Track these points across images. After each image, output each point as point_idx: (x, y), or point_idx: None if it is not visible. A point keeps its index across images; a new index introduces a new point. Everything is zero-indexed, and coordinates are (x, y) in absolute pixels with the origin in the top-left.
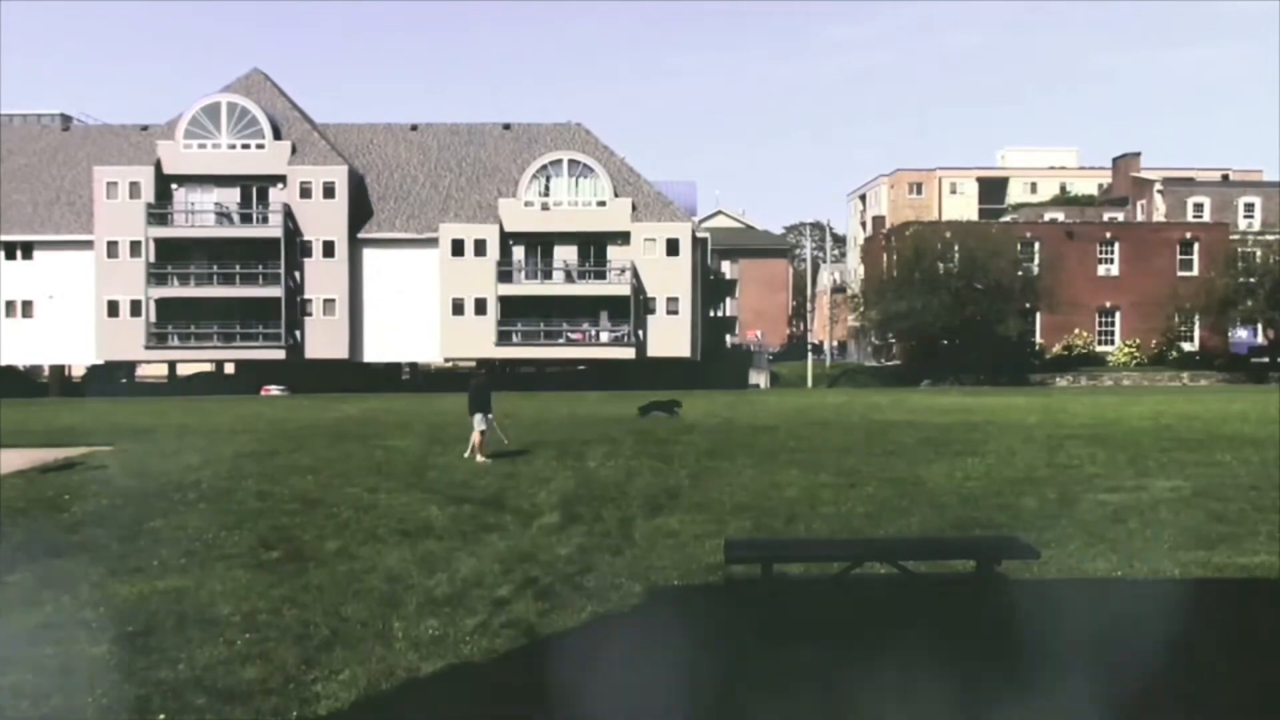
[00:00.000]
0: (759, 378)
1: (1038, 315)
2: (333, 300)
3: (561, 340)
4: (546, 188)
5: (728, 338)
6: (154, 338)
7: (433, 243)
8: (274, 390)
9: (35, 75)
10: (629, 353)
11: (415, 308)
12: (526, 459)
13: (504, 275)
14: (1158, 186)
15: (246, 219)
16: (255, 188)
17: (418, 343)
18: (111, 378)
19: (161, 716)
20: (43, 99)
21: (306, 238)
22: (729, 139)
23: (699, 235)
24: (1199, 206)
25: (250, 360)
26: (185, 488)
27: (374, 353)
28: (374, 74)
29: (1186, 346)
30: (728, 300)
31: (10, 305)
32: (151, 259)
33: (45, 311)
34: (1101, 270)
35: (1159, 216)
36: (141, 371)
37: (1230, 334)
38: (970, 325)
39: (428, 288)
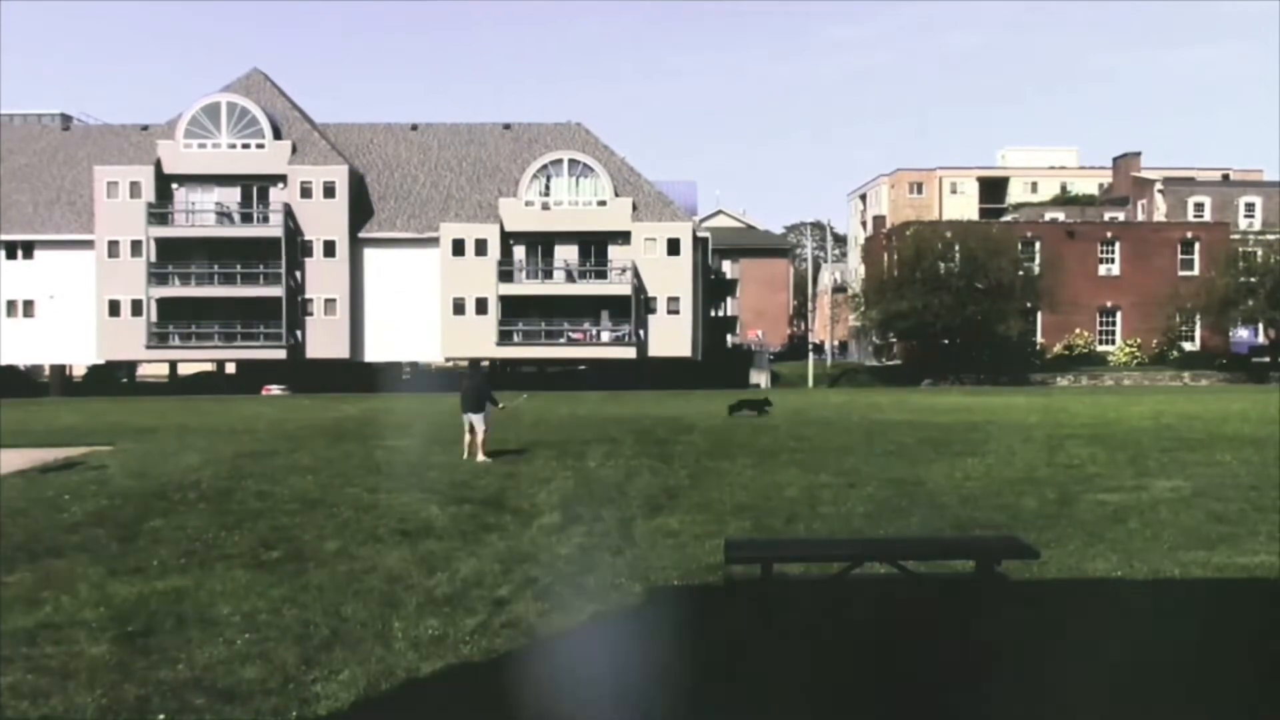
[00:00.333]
0: (759, 377)
1: (1038, 315)
2: (333, 300)
3: (562, 340)
4: (547, 187)
5: (728, 337)
6: (155, 337)
7: (433, 242)
8: (274, 390)
9: (35, 75)
10: (630, 352)
11: (416, 307)
12: (527, 459)
13: (505, 275)
14: (1158, 186)
15: (247, 219)
16: (255, 187)
17: (418, 342)
18: (112, 377)
19: (161, 716)
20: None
21: (307, 237)
22: (729, 139)
23: (700, 235)
24: (1199, 206)
25: (251, 360)
26: (185, 488)
27: (375, 352)
28: (374, 74)
29: (1187, 346)
30: (728, 300)
31: (11, 305)
32: (152, 259)
33: (46, 311)
34: (1102, 270)
35: (1159, 216)
36: (142, 371)
37: (1231, 334)
38: (971, 325)
39: (428, 287)
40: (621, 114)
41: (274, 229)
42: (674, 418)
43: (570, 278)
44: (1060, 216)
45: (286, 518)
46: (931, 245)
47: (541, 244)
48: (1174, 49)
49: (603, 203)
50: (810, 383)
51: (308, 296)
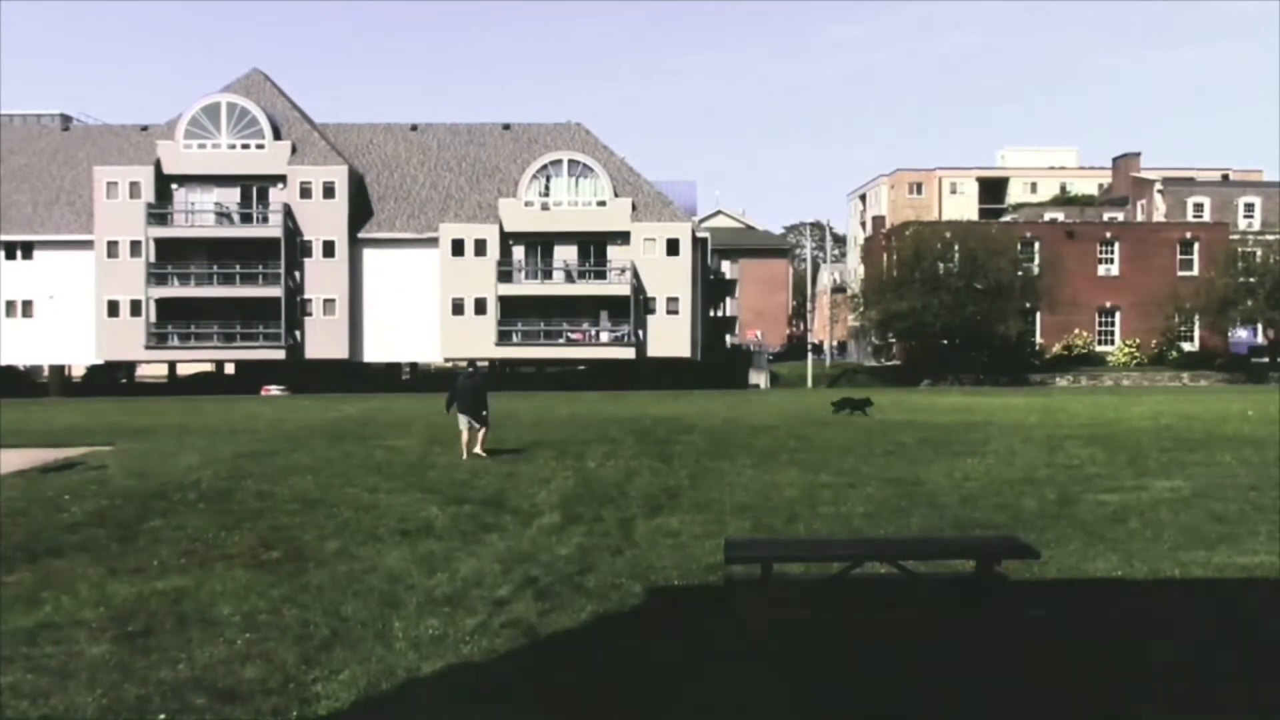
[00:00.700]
0: (759, 378)
1: (1038, 315)
2: (333, 300)
3: (561, 340)
4: (546, 188)
5: (728, 338)
6: (154, 338)
7: (433, 243)
8: (274, 390)
9: (35, 75)
10: (629, 353)
11: (415, 308)
12: (527, 459)
13: (504, 275)
14: (1158, 186)
15: (246, 219)
16: (255, 188)
17: (418, 343)
18: (111, 378)
19: (161, 716)
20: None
21: (306, 238)
22: (729, 139)
23: (699, 235)
24: (1199, 206)
25: (250, 360)
26: (185, 488)
27: (374, 353)
28: (374, 74)
29: (1186, 346)
30: (728, 300)
31: (10, 305)
32: (151, 259)
33: (45, 311)
34: (1101, 270)
35: (1159, 216)
36: (141, 371)
37: (1230, 334)
38: (970, 325)
39: (428, 288)
40: (621, 114)
41: (273, 229)
42: (674, 418)
43: (569, 278)
44: (1060, 216)
45: (286, 518)
46: (931, 245)
47: (541, 244)
48: (1174, 49)
49: (602, 203)
50: (809, 383)
51: (307, 297)
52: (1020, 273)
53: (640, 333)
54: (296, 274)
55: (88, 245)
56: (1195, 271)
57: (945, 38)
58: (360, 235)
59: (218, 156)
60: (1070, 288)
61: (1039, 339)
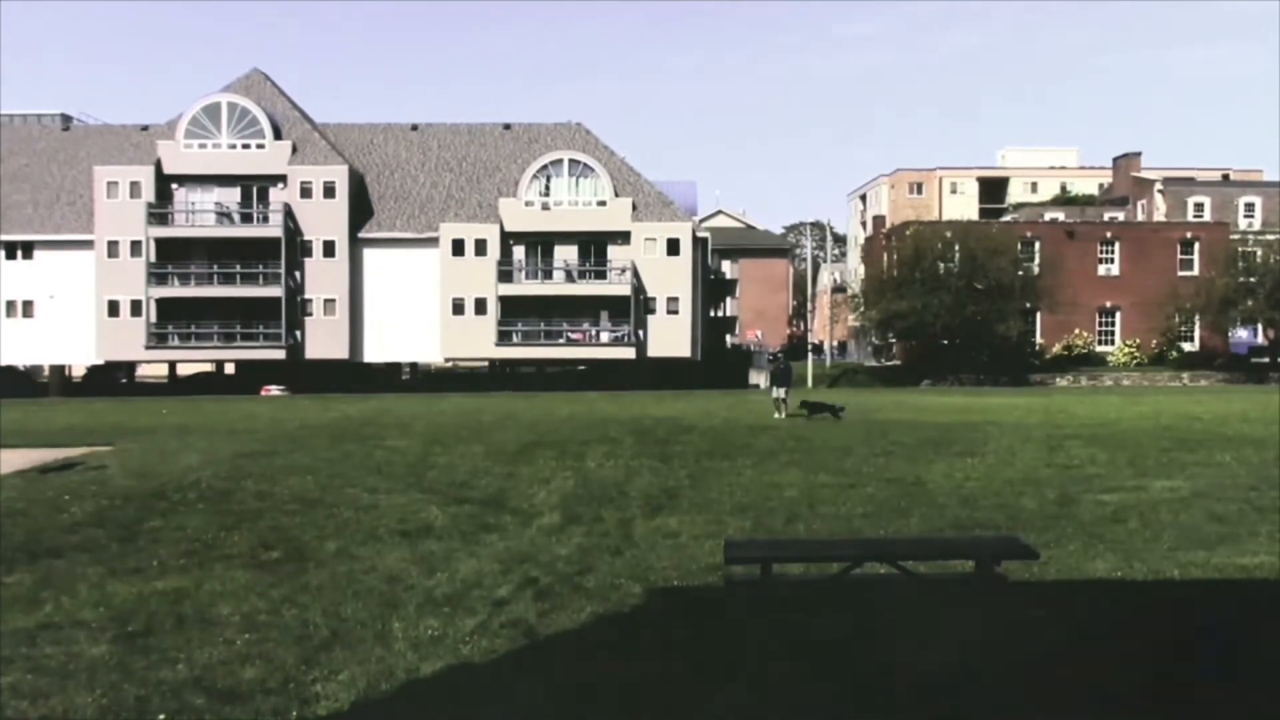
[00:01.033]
0: (759, 378)
1: (1038, 315)
2: (333, 300)
3: (562, 340)
4: (547, 188)
5: (728, 338)
6: (154, 338)
7: (433, 243)
8: (274, 390)
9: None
10: (629, 353)
11: (415, 308)
12: (527, 459)
13: (504, 275)
14: (1158, 186)
15: (247, 219)
16: (255, 187)
17: (418, 343)
18: (111, 378)
19: (161, 716)
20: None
21: (307, 238)
22: (729, 139)
23: (699, 235)
24: (1199, 206)
25: (250, 360)
26: (185, 488)
27: (374, 353)
28: (374, 74)
29: (1186, 346)
30: (728, 300)
31: (10, 305)
32: (152, 259)
33: (45, 311)
34: (1102, 270)
35: (1159, 216)
36: (141, 371)
37: (1230, 334)
38: (970, 325)
39: (428, 288)
40: (621, 114)
41: (274, 229)
42: (674, 418)
43: (570, 278)
44: (1060, 216)
45: (286, 518)
46: (931, 245)
47: (541, 244)
48: (1174, 49)
49: (602, 203)
50: (810, 383)
51: (307, 297)
52: (1020, 273)
53: (640, 333)
54: (297, 274)
55: (88, 245)
56: (1195, 271)
57: (945, 38)
58: (360, 235)
59: (218, 156)
60: (1070, 288)
61: (1039, 339)
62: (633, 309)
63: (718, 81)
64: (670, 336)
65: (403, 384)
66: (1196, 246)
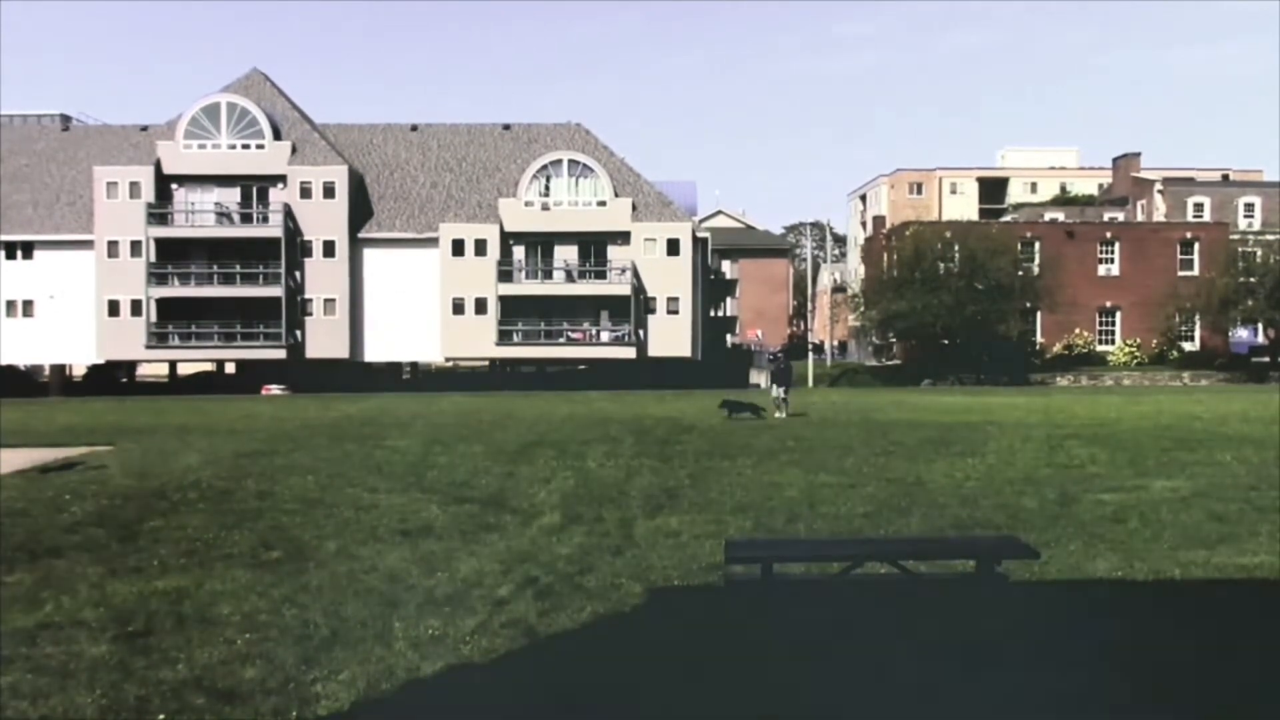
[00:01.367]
0: (759, 378)
1: (1038, 315)
2: (333, 300)
3: (562, 340)
4: (547, 188)
5: (728, 338)
6: (154, 337)
7: (433, 243)
8: (274, 390)
9: (35, 75)
10: (629, 352)
11: (415, 308)
12: (527, 459)
13: (504, 275)
14: (1158, 186)
15: (246, 219)
16: (255, 188)
17: (418, 342)
18: (111, 378)
19: (161, 717)
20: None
21: (307, 237)
22: (729, 139)
23: (699, 235)
24: (1199, 206)
25: (250, 360)
26: (185, 488)
27: (374, 352)
28: (374, 74)
29: (1187, 346)
30: (728, 300)
31: (10, 305)
32: (152, 259)
33: (45, 311)
34: (1102, 270)
35: (1159, 216)
36: (142, 371)
37: (1230, 334)
38: (970, 325)
39: (428, 288)
40: (621, 114)
41: (274, 229)
42: (674, 418)
43: (570, 278)
44: (1060, 217)
45: (286, 518)
46: (931, 245)
47: (541, 244)
48: (1174, 49)
49: (602, 203)
50: (810, 383)
51: (307, 296)
52: (1020, 273)
53: (640, 332)
54: (297, 274)
55: (88, 245)
56: (1195, 271)
57: (945, 38)
58: (360, 235)
59: (218, 156)
60: (1070, 288)
61: (1039, 339)
62: (633, 309)
63: (718, 81)
64: (670, 336)
65: (403, 384)
66: (1196, 246)
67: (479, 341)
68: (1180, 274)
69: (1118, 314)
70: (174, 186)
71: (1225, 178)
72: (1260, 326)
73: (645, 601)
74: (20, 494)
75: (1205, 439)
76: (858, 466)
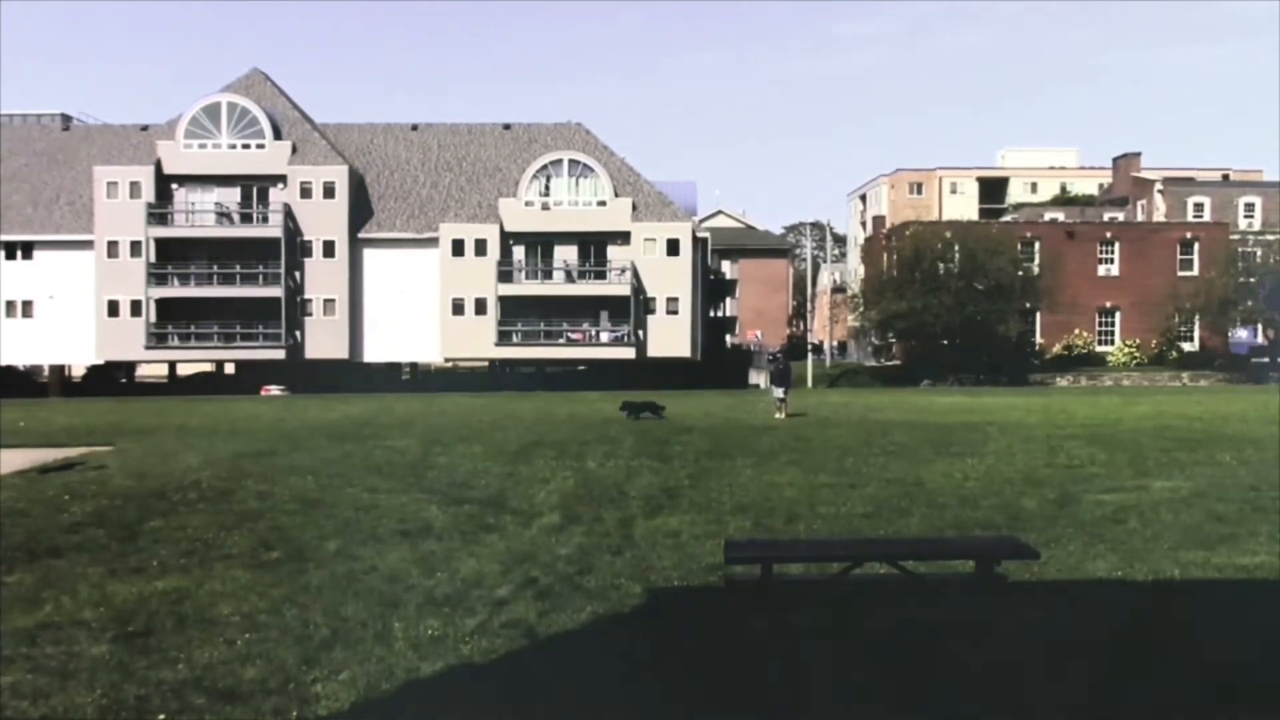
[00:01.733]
0: (759, 378)
1: (1038, 315)
2: (333, 300)
3: (561, 340)
4: (547, 188)
5: (728, 338)
6: (154, 338)
7: (433, 243)
8: (274, 390)
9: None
10: (629, 353)
11: (415, 308)
12: (526, 459)
13: (504, 275)
14: (1158, 186)
15: (246, 219)
16: (255, 188)
17: (418, 343)
18: (111, 378)
19: (161, 717)
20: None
21: (306, 238)
22: (729, 139)
23: (699, 235)
24: (1199, 206)
25: (250, 360)
26: (185, 488)
27: (374, 353)
28: (374, 74)
29: (1186, 346)
30: (728, 300)
31: (10, 305)
32: (151, 259)
33: (45, 311)
34: (1101, 270)
35: (1159, 216)
36: (141, 371)
37: (1230, 334)
38: (970, 325)
39: (428, 288)
40: (621, 114)
41: (274, 229)
42: (673, 418)
43: (570, 278)
44: (1060, 217)
45: (286, 518)
46: (931, 245)
47: (541, 244)
48: (1174, 49)
49: (602, 203)
50: (810, 383)
51: (307, 297)
52: (1020, 273)
53: (640, 333)
54: (296, 274)
55: (88, 245)
56: (1195, 271)
57: (945, 38)
58: (360, 235)
59: (218, 156)
60: (1070, 288)
61: (1039, 339)
62: (632, 309)
63: (718, 81)
64: (670, 336)
65: (403, 384)
66: (1196, 247)
67: (479, 342)
68: (1180, 274)
69: (1117, 314)
70: (174, 186)
71: (1225, 178)
72: (1260, 326)
73: (645, 602)
74: (20, 494)
75: (1205, 439)
76: (857, 467)
